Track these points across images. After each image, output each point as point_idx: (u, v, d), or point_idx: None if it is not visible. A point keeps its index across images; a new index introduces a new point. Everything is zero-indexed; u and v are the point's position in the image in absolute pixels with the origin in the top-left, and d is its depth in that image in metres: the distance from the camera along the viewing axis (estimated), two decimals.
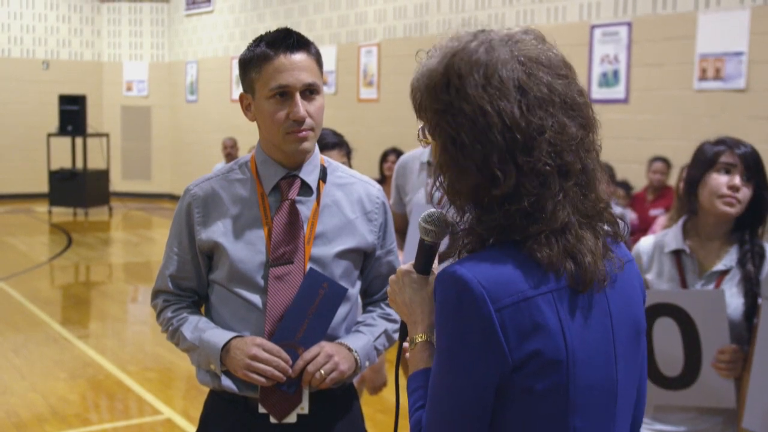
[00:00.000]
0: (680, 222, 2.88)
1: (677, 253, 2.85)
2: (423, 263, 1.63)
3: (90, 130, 15.57)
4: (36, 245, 12.43)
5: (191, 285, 2.38)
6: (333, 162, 2.43)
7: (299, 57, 2.21)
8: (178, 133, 17.74)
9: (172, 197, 17.71)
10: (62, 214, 15.14)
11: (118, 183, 17.20)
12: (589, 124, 1.48)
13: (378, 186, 2.42)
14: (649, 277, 2.94)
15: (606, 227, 1.52)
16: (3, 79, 17.07)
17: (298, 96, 2.20)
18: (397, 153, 9.27)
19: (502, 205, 1.42)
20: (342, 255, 2.30)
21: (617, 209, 6.92)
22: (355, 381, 3.52)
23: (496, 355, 1.39)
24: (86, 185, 15.10)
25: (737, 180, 2.70)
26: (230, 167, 2.37)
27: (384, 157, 9.34)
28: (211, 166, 12.66)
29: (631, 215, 7.81)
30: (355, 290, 2.38)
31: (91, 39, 18.19)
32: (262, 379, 2.18)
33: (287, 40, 2.21)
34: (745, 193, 2.70)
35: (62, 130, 15.23)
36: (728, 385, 2.66)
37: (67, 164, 15.62)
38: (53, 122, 15.75)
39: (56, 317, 8.11)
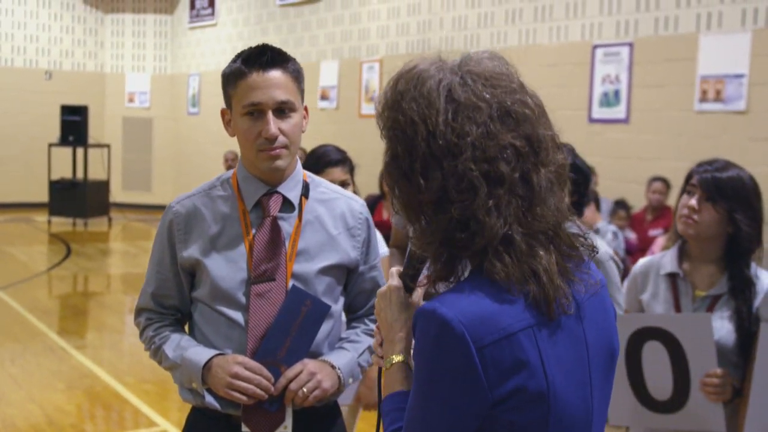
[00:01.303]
0: (677, 244, 2.90)
1: (672, 276, 2.87)
2: (412, 274, 1.66)
3: (91, 140, 15.59)
4: (35, 255, 12.43)
5: (174, 303, 2.36)
6: (316, 178, 2.42)
7: (273, 74, 2.20)
8: (179, 145, 17.77)
9: None
10: (62, 224, 15.14)
11: (118, 194, 17.21)
12: (535, 138, 1.46)
13: (361, 201, 2.42)
14: (644, 297, 2.94)
15: (565, 248, 1.50)
16: (5, 88, 17.11)
17: (270, 114, 2.19)
18: None
19: (436, 213, 1.44)
20: (325, 271, 2.29)
21: (611, 227, 6.83)
22: (351, 399, 3.52)
23: (475, 393, 1.39)
24: (86, 196, 15.11)
25: (692, 201, 2.73)
26: (212, 184, 2.37)
27: None
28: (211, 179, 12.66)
29: (630, 235, 7.82)
30: (338, 306, 2.37)
31: (94, 50, 18.25)
32: (244, 398, 2.17)
33: (261, 57, 2.21)
34: (703, 216, 2.72)
35: (63, 141, 15.26)
36: (717, 409, 2.66)
37: (67, 174, 15.63)
38: (55, 132, 15.77)
39: (54, 327, 8.11)
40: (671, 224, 2.97)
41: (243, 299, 2.23)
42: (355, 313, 2.46)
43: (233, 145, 13.70)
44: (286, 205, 2.29)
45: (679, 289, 2.85)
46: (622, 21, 8.71)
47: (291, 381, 2.19)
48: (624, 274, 3.44)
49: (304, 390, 2.18)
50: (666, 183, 8.00)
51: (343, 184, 3.49)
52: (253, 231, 2.26)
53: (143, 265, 11.89)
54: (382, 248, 3.71)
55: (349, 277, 2.39)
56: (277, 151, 2.21)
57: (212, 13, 16.45)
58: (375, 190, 9.42)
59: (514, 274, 1.42)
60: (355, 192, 3.60)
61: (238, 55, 2.25)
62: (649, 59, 8.43)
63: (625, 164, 8.62)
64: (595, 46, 8.95)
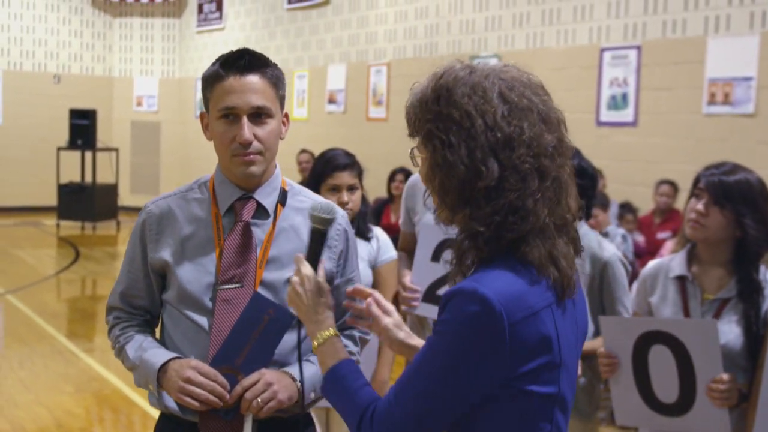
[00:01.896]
0: (686, 248, 2.89)
1: (681, 279, 2.86)
2: (316, 250, 1.90)
3: (100, 144, 15.63)
4: (44, 258, 12.46)
5: (143, 303, 2.34)
6: (296, 186, 2.38)
7: (251, 79, 2.17)
8: (186, 148, 17.81)
9: None
10: (70, 227, 15.18)
11: (126, 197, 17.24)
12: (562, 142, 1.67)
13: (342, 213, 2.32)
14: (653, 300, 2.94)
15: (571, 243, 1.69)
16: (14, 92, 17.17)
17: (245, 119, 2.16)
18: (405, 172, 9.29)
19: (490, 199, 1.59)
20: None
21: (620, 231, 6.83)
22: None
23: (497, 368, 1.56)
24: (95, 199, 15.15)
25: (698, 205, 2.73)
26: (190, 186, 2.34)
27: (392, 177, 9.36)
28: None
29: (638, 238, 7.80)
30: None
31: (103, 54, 18.31)
32: (195, 403, 2.12)
33: (239, 61, 2.18)
34: (711, 220, 2.72)
35: (72, 144, 15.31)
36: (723, 414, 2.66)
37: (76, 178, 15.67)
38: (63, 136, 15.82)
39: (62, 330, 8.13)
40: (679, 227, 2.97)
41: (209, 304, 2.20)
42: None
43: None
44: (261, 211, 2.25)
45: (687, 292, 2.84)
46: (630, 24, 8.70)
47: (246, 390, 2.12)
48: (632, 277, 3.44)
49: (259, 400, 2.11)
50: (673, 186, 7.99)
51: (352, 188, 3.49)
52: (225, 236, 2.23)
53: None
54: (391, 252, 3.71)
55: None
56: (251, 157, 2.18)
57: (220, 17, 16.49)
58: (383, 193, 9.44)
59: (543, 258, 1.60)
60: (363, 196, 3.60)
61: (218, 59, 2.24)
62: (657, 62, 8.42)
63: (633, 167, 8.60)
64: (603, 50, 8.94)
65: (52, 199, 15.82)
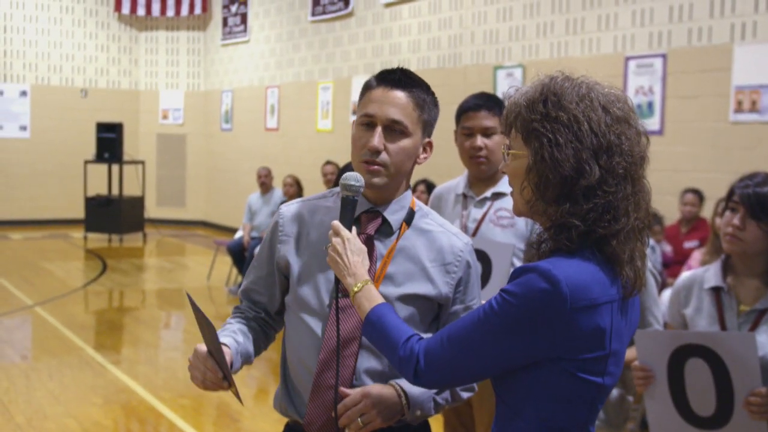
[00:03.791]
0: (721, 258, 2.86)
1: (716, 290, 2.83)
2: (350, 217, 2.12)
3: (126, 157, 15.76)
4: (71, 270, 12.56)
5: (261, 299, 2.45)
6: (425, 208, 2.40)
7: (396, 93, 2.25)
8: (212, 161, 17.90)
9: (206, 224, 17.82)
10: (98, 239, 15.30)
11: (152, 210, 17.36)
12: (645, 153, 1.83)
13: (466, 240, 2.35)
14: (688, 312, 2.91)
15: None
16: (42, 106, 17.36)
17: (379, 128, 2.23)
18: (427, 184, 9.30)
19: (588, 197, 1.74)
20: (408, 299, 2.25)
21: (648, 241, 6.80)
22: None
23: (547, 341, 1.73)
24: (121, 212, 15.26)
25: (735, 219, 2.70)
26: (324, 194, 2.43)
27: (414, 188, 9.37)
28: (245, 195, 12.73)
29: (665, 248, 7.74)
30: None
31: (129, 68, 18.46)
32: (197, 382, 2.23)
33: (391, 75, 2.29)
34: (748, 233, 2.69)
35: (99, 157, 15.44)
36: (761, 428, 2.62)
37: (103, 191, 15.81)
38: (90, 149, 15.96)
39: (90, 342, 8.18)
40: (707, 236, 2.94)
41: (326, 310, 2.26)
42: None
43: (266, 161, 13.77)
44: (386, 227, 2.29)
45: (723, 304, 2.81)
46: (654, 32, 8.66)
47: (349, 409, 2.16)
48: (660, 287, 3.41)
49: (359, 421, 2.14)
50: (699, 195, 7.92)
51: None
52: None
53: (178, 280, 12.00)
54: None
55: (441, 313, 2.33)
56: (376, 167, 2.23)
57: (244, 30, 16.58)
58: None
59: (626, 257, 1.77)
60: None
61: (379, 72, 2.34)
62: (683, 70, 8.37)
63: (660, 176, 8.54)
64: (628, 58, 8.90)
65: (79, 212, 15.96)
